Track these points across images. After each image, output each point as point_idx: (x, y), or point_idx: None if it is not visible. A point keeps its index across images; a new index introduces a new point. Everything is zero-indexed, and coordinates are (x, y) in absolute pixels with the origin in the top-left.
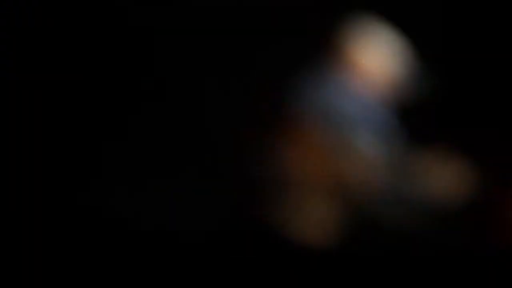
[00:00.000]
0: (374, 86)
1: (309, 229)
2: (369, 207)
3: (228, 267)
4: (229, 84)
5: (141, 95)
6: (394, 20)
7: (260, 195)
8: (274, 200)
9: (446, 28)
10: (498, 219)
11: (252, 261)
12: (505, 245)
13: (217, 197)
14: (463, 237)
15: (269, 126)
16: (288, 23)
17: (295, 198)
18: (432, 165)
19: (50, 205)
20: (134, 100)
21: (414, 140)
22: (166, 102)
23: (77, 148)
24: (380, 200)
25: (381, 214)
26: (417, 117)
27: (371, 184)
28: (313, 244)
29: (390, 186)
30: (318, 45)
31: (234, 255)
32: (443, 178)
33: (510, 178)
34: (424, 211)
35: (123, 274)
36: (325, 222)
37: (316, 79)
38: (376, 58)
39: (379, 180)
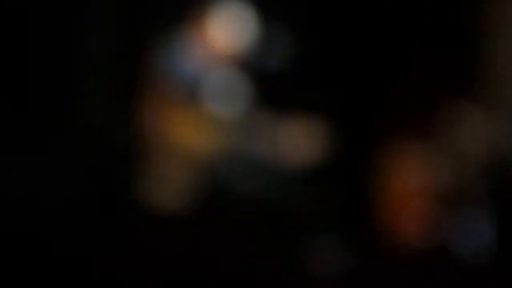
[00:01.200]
0: (226, 55)
1: (166, 192)
2: (224, 174)
3: (89, 231)
4: (91, 52)
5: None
6: None
7: (121, 161)
8: (134, 165)
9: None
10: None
11: (111, 225)
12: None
13: (79, 163)
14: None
15: (130, 94)
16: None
17: (154, 163)
18: (289, 130)
19: None
20: None
21: (268, 105)
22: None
23: None
24: (236, 167)
25: (236, 181)
26: (270, 83)
27: (228, 151)
28: (168, 206)
29: (247, 152)
30: (174, 18)
31: (96, 220)
32: (296, 141)
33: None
34: (278, 177)
35: None
36: (181, 186)
37: (172, 50)
38: (227, 28)
39: (236, 147)
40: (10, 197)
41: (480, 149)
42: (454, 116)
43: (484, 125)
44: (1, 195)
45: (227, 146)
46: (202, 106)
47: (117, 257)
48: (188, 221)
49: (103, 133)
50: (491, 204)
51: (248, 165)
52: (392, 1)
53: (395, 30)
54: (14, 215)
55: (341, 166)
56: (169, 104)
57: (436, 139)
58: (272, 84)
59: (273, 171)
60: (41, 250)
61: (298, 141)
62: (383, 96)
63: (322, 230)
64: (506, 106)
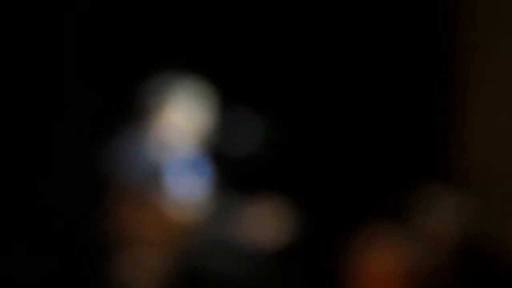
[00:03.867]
0: (187, 138)
1: (141, 276)
2: (196, 256)
3: None
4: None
5: None
6: (206, 75)
7: (101, 254)
8: (113, 256)
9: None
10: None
11: None
12: None
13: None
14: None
15: (99, 189)
16: (97, 85)
17: (132, 253)
18: (255, 212)
19: None
20: None
21: (236, 188)
22: None
23: None
24: (206, 248)
25: (207, 261)
26: (239, 167)
27: (197, 233)
28: None
29: (215, 233)
30: (128, 107)
31: None
32: (266, 224)
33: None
34: (247, 257)
35: None
36: (155, 269)
37: (131, 139)
38: (184, 111)
39: (204, 229)
40: None
41: (451, 231)
42: (426, 196)
43: (456, 207)
44: None
45: (197, 230)
46: (166, 193)
47: None
48: None
49: (77, 223)
50: (462, 284)
51: (217, 246)
52: (359, 74)
53: (364, 105)
54: None
55: (313, 248)
56: (135, 195)
57: (407, 221)
58: (238, 166)
59: (242, 251)
60: None
61: (267, 223)
62: (351, 176)
63: None
64: (477, 189)
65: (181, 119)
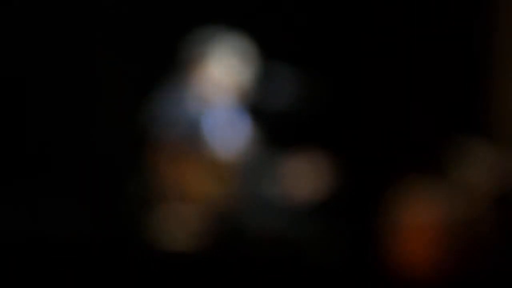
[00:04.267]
0: (230, 95)
1: (182, 234)
2: (234, 211)
3: (104, 274)
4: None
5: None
6: (247, 30)
7: (140, 209)
8: (152, 211)
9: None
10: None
11: (126, 268)
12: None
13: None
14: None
15: (140, 144)
16: (140, 42)
17: (171, 208)
18: (293, 166)
19: None
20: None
21: (274, 143)
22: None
23: None
24: (245, 203)
25: (246, 217)
26: (277, 121)
27: (236, 188)
28: (182, 248)
29: (254, 189)
30: (170, 62)
31: (110, 262)
32: (304, 179)
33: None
34: (285, 212)
35: None
36: (198, 231)
37: (172, 93)
38: (225, 66)
39: (243, 184)
40: (27, 238)
41: (488, 184)
42: (463, 150)
43: (493, 158)
44: (18, 235)
45: (236, 185)
46: (206, 148)
47: None
48: (202, 262)
49: (117, 179)
50: (500, 237)
51: (256, 201)
52: (399, 35)
53: (401, 64)
54: (28, 255)
55: (351, 202)
56: (176, 150)
57: (445, 174)
58: (277, 121)
59: (282, 208)
60: None
61: (305, 178)
62: (389, 130)
63: (333, 265)
64: None
65: (222, 74)
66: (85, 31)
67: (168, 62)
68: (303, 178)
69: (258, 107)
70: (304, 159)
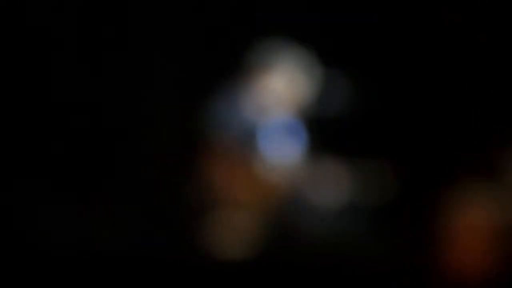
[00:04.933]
0: (285, 103)
1: (235, 241)
2: (288, 219)
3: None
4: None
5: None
6: (302, 41)
7: (192, 215)
8: (204, 218)
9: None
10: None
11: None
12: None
13: (153, 220)
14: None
15: (194, 149)
16: (198, 47)
17: (224, 214)
18: (348, 174)
19: None
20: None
21: (329, 152)
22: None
23: None
24: (298, 212)
25: (299, 225)
26: (329, 129)
27: (290, 197)
28: (239, 254)
29: (308, 197)
30: (229, 69)
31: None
32: (359, 186)
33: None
34: (340, 220)
35: None
36: (250, 234)
37: (230, 101)
38: (284, 76)
39: (297, 193)
40: (82, 249)
41: None
42: None
43: None
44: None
45: (288, 192)
46: (261, 155)
47: None
48: (257, 269)
49: (170, 183)
50: None
51: (310, 210)
52: (455, 39)
53: (455, 67)
54: (88, 266)
55: (406, 206)
56: (229, 155)
57: (499, 178)
58: (332, 128)
59: (337, 214)
60: None
61: (360, 184)
62: (444, 133)
63: (388, 270)
64: None
65: (281, 85)
66: (148, 34)
67: (228, 69)
68: (358, 185)
69: (314, 117)
70: (358, 165)
